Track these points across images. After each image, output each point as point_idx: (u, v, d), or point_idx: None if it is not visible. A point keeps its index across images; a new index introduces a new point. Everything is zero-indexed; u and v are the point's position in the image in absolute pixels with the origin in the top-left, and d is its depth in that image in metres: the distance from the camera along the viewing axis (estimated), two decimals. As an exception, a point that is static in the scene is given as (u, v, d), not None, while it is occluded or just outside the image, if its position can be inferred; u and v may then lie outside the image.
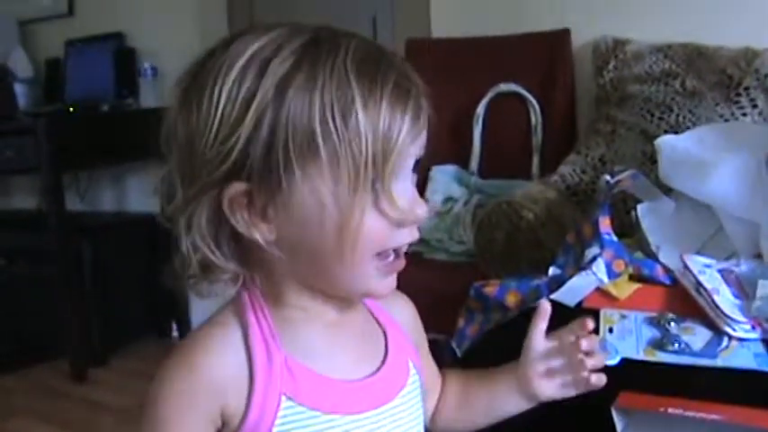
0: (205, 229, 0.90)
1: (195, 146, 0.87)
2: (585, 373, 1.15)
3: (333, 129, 0.84)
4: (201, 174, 0.87)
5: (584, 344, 1.15)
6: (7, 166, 3.91)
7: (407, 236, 0.93)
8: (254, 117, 0.84)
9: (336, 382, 0.96)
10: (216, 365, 0.92)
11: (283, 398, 0.92)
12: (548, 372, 1.18)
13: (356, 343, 1.01)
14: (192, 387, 0.91)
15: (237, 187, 0.87)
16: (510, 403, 1.21)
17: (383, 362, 1.01)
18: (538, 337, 1.19)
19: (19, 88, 4.29)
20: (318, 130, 0.84)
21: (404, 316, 1.10)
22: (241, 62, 0.86)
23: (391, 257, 0.93)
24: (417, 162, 0.93)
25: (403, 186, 0.91)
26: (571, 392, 1.19)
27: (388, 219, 0.89)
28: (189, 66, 0.92)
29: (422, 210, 0.92)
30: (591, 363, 1.15)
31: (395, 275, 0.95)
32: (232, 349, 0.93)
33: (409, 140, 0.88)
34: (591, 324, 1.16)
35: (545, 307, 1.18)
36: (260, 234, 0.89)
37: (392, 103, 0.86)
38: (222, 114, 0.85)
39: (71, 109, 4.02)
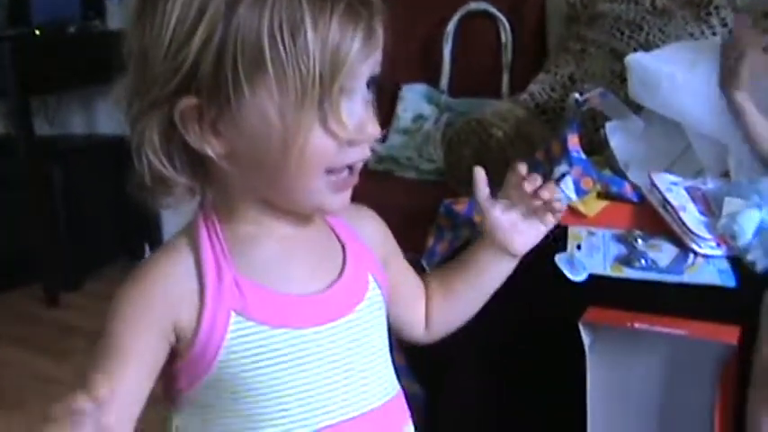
0: (157, 143, 0.91)
1: (148, 60, 0.89)
2: (545, 195, 1.15)
3: (281, 46, 0.85)
4: (154, 88, 0.89)
5: (539, 192, 1.15)
6: (-28, 90, 3.86)
7: (359, 154, 0.94)
8: (205, 32, 0.85)
9: (288, 296, 0.97)
10: (168, 284, 0.94)
11: (233, 313, 0.93)
12: (511, 225, 1.18)
13: (311, 258, 1.02)
14: (144, 301, 0.94)
15: (188, 101, 0.88)
16: (492, 271, 1.21)
17: (340, 275, 1.02)
18: (487, 202, 1.18)
19: (-18, 11, 4.22)
20: (267, 46, 0.85)
21: (369, 231, 1.11)
22: None
23: (344, 174, 0.95)
24: (373, 80, 0.94)
25: (353, 105, 0.92)
26: (541, 229, 1.19)
27: (337, 137, 0.90)
28: None
29: (373, 129, 0.94)
30: (545, 195, 1.15)
31: (348, 191, 0.97)
32: (183, 268, 0.95)
33: (359, 60, 0.89)
34: (524, 168, 1.16)
35: (480, 174, 1.18)
36: (211, 148, 0.91)
37: (342, 23, 0.86)
38: (174, 29, 0.86)
39: (36, 32, 3.95)
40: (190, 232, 0.98)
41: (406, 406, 1.10)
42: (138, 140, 0.91)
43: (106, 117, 4.35)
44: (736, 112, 1.82)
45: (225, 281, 0.94)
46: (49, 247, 3.78)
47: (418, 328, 1.21)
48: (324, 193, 0.94)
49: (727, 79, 1.83)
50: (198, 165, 0.95)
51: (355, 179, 0.96)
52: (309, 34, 0.85)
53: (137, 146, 0.92)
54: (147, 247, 4.20)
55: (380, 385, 1.04)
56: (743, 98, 1.81)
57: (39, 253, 3.76)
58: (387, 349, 1.07)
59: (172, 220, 4.06)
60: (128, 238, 4.21)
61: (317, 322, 0.97)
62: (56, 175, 3.82)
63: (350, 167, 0.95)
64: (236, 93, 0.87)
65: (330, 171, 0.93)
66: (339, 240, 1.06)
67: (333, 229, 1.06)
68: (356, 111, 0.92)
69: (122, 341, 0.93)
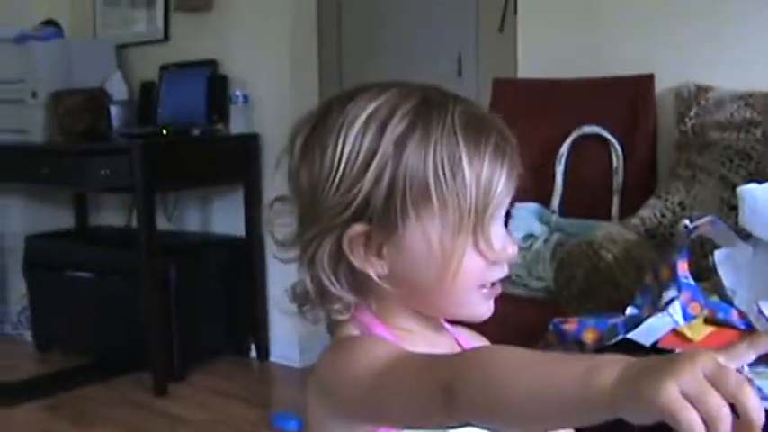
0: (327, 264, 1.01)
1: (318, 193, 1.00)
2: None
3: (443, 181, 0.97)
4: (324, 217, 1.00)
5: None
6: (101, 183, 4.05)
7: (501, 272, 1.04)
8: (376, 171, 0.97)
9: None
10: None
11: None
12: None
13: None
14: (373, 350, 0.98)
15: (358, 229, 0.99)
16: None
17: None
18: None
19: (114, 110, 4.43)
20: (432, 182, 0.97)
21: None
22: (361, 120, 0.99)
23: (488, 286, 1.04)
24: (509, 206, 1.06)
25: (498, 230, 1.03)
26: None
27: (486, 258, 1.01)
28: (306, 117, 1.05)
29: (513, 249, 1.04)
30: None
31: (493, 300, 1.06)
32: (384, 342, 1.02)
33: (506, 193, 1.00)
34: None
35: None
36: (373, 269, 1.01)
37: (492, 161, 0.98)
38: (345, 167, 0.98)
39: (164, 132, 4.14)
40: (361, 328, 1.05)
41: None
42: (309, 261, 1.02)
43: (222, 217, 4.50)
44: None
45: None
46: (160, 338, 3.89)
47: None
48: (476, 305, 1.04)
49: None
50: (360, 283, 1.04)
51: (499, 289, 1.05)
52: (467, 171, 0.96)
53: (306, 265, 1.03)
54: (253, 345, 4.30)
55: None
56: None
57: (150, 342, 3.88)
58: None
59: (279, 321, 4.17)
60: (235, 335, 4.31)
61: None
62: (171, 269, 3.95)
63: (493, 282, 1.04)
64: (404, 221, 0.98)
65: (482, 286, 1.03)
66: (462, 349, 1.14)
67: (456, 340, 1.15)
68: (500, 234, 1.02)
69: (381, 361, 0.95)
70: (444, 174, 0.96)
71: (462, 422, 0.83)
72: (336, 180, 0.98)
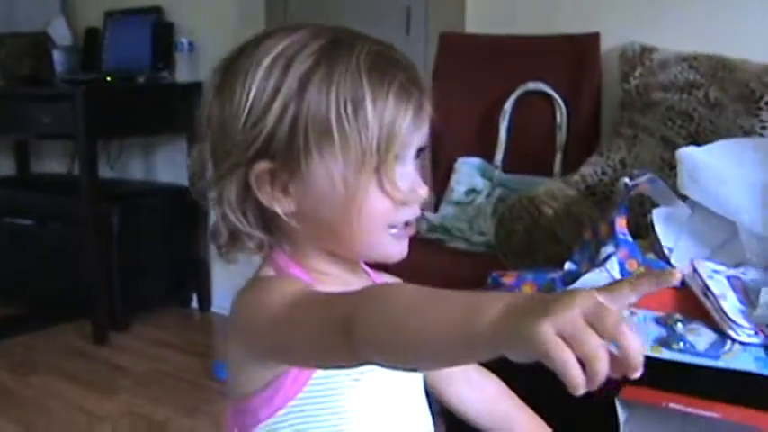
0: (234, 202, 1.03)
1: (227, 130, 1.02)
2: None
3: (345, 120, 0.98)
4: (232, 154, 1.01)
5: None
6: (43, 130, 4.01)
7: (411, 213, 1.06)
8: (280, 107, 0.99)
9: None
10: None
11: None
12: None
13: None
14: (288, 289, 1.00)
15: (263, 166, 1.01)
16: None
17: None
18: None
19: (57, 56, 4.37)
20: (334, 120, 0.98)
21: None
22: (269, 59, 1.00)
23: (402, 227, 1.07)
24: (421, 150, 1.07)
25: (405, 171, 1.04)
26: None
27: (392, 198, 1.02)
28: (223, 59, 1.06)
29: (423, 190, 1.06)
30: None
31: (406, 241, 1.08)
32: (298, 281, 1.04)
33: (410, 132, 1.01)
34: None
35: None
36: (280, 206, 1.03)
37: (397, 101, 0.99)
38: (252, 104, 0.99)
39: (108, 78, 4.09)
40: (277, 269, 1.08)
41: None
42: (218, 199, 1.03)
43: (165, 165, 4.47)
44: None
45: None
46: (101, 286, 3.87)
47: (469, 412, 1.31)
48: (386, 245, 1.06)
49: None
50: (269, 222, 1.06)
51: (412, 230, 1.08)
52: (369, 110, 0.98)
53: (215, 203, 1.04)
54: (195, 297, 4.29)
55: (425, 422, 1.15)
56: None
57: (91, 290, 3.86)
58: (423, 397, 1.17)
59: (221, 272, 4.15)
60: (177, 286, 4.30)
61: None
62: (113, 217, 3.93)
63: (406, 222, 1.06)
64: (306, 158, 0.99)
65: (391, 226, 1.04)
66: None
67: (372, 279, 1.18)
68: (408, 175, 1.04)
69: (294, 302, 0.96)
70: (346, 112, 0.98)
71: (363, 360, 0.83)
72: (243, 117, 1.00)
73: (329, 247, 1.07)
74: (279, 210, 1.02)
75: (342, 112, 0.97)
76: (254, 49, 1.02)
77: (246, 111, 0.99)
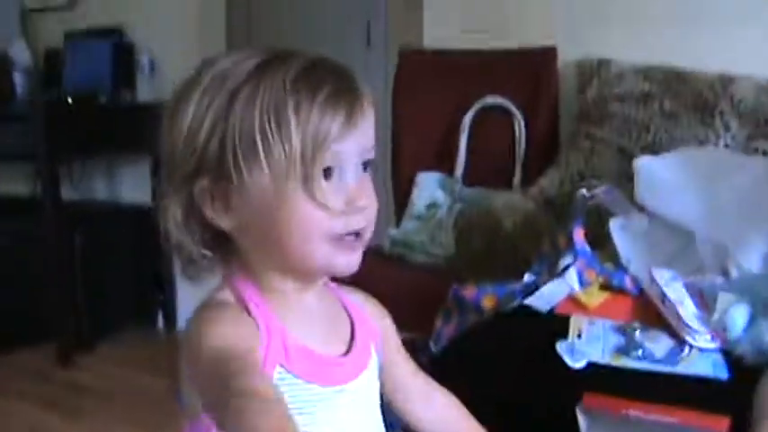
0: (179, 218, 1.05)
1: (173, 150, 1.04)
2: None
3: (269, 133, 0.98)
4: (176, 172, 1.04)
5: None
6: (4, 151, 3.97)
7: (352, 224, 1.04)
8: (210, 125, 1.00)
9: (318, 355, 1.08)
10: (246, 331, 1.02)
11: (278, 366, 1.04)
12: None
13: (327, 324, 1.13)
14: (232, 331, 1.00)
15: (202, 182, 1.02)
16: None
17: (351, 344, 1.14)
18: None
19: (18, 77, 4.34)
20: (258, 133, 0.99)
21: (375, 315, 1.22)
22: (207, 79, 1.03)
23: (350, 239, 1.05)
24: (368, 163, 1.07)
25: (343, 182, 1.04)
26: None
27: (327, 209, 1.02)
28: (177, 83, 1.08)
29: (363, 202, 1.04)
30: None
31: (356, 254, 1.07)
32: (247, 321, 1.04)
33: (339, 142, 1.01)
34: None
35: None
36: (224, 223, 1.04)
37: (321, 110, 0.99)
38: (190, 124, 1.02)
39: (69, 99, 4.07)
40: (228, 296, 1.08)
41: None
42: (164, 215, 1.05)
43: (129, 185, 4.45)
44: None
45: (274, 336, 1.04)
46: (66, 308, 3.84)
47: (419, 423, 1.30)
48: (329, 257, 1.05)
49: None
50: (225, 242, 1.08)
51: (362, 243, 1.07)
52: (292, 121, 0.98)
53: (162, 219, 1.06)
54: (160, 316, 4.27)
55: None
56: None
57: (55, 312, 3.83)
58: (379, 416, 1.18)
59: (187, 291, 4.14)
60: (142, 306, 4.28)
61: (338, 382, 1.08)
62: (77, 238, 3.91)
63: (356, 233, 1.06)
64: (237, 173, 1.00)
65: (336, 238, 1.04)
66: (347, 312, 1.17)
67: (342, 303, 1.18)
68: (345, 187, 1.04)
69: (241, 369, 0.95)
70: (270, 125, 0.98)
71: None
72: (182, 137, 1.02)
73: (278, 263, 1.07)
74: (223, 226, 1.04)
75: (266, 125, 0.98)
76: (199, 71, 1.04)
77: (186, 130, 1.01)
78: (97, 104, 4.09)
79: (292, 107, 0.98)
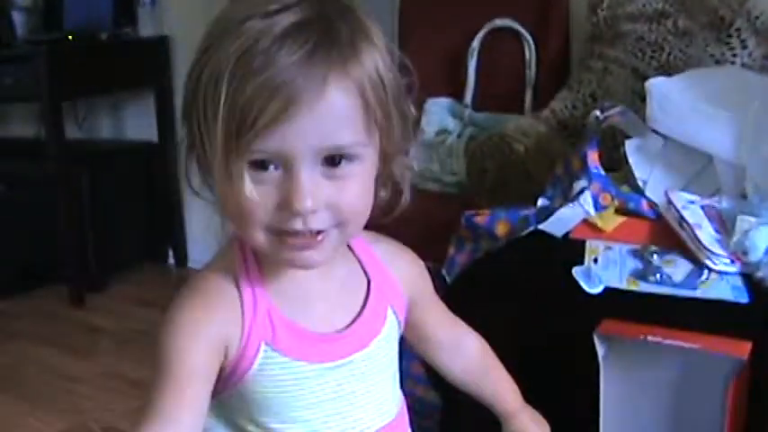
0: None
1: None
2: None
3: (206, 104, 0.91)
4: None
5: None
6: (6, 93, 3.95)
7: (291, 224, 0.93)
8: (190, 81, 0.95)
9: (310, 333, 1.03)
10: (218, 308, 1.00)
11: (263, 343, 1.00)
12: None
13: (334, 296, 1.08)
14: (196, 317, 0.99)
15: (189, 148, 0.99)
16: None
17: (360, 313, 1.08)
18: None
19: (17, 16, 4.29)
20: (200, 103, 0.92)
21: (404, 272, 1.15)
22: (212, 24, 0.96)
23: (297, 236, 0.95)
24: (340, 157, 0.94)
25: (283, 174, 0.93)
26: None
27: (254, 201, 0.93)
28: None
29: (300, 205, 0.92)
30: None
31: (309, 252, 0.97)
32: (228, 298, 1.01)
33: (268, 127, 0.89)
34: None
35: None
36: (206, 194, 1.01)
37: (256, 91, 0.88)
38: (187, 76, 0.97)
39: (69, 37, 4.02)
40: (229, 260, 1.04)
41: (406, 426, 1.16)
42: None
43: (134, 122, 4.42)
44: None
45: (259, 313, 1.01)
46: (75, 249, 3.84)
47: (449, 373, 1.28)
48: (277, 250, 0.96)
49: None
50: None
51: (317, 241, 0.96)
52: (222, 96, 0.89)
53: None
54: (170, 252, 4.26)
55: (378, 409, 1.10)
56: None
57: (65, 253, 3.82)
58: (393, 376, 1.14)
59: (196, 225, 4.13)
60: (152, 243, 4.27)
61: (334, 357, 1.04)
62: (83, 178, 3.89)
63: (292, 231, 0.94)
64: (194, 140, 0.96)
65: (275, 231, 0.95)
66: (365, 274, 1.11)
67: (360, 262, 1.11)
68: (285, 183, 0.92)
69: (178, 362, 0.97)
70: (205, 93, 0.91)
71: None
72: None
73: None
74: (208, 197, 1.01)
75: (206, 92, 0.91)
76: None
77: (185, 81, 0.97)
78: (99, 42, 4.04)
79: (227, 79, 0.88)
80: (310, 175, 0.92)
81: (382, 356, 1.09)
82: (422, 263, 1.21)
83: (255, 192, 0.92)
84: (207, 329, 0.98)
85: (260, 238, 0.95)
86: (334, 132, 0.92)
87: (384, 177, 1.04)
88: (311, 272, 1.02)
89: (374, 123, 0.95)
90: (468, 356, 1.27)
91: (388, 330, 1.10)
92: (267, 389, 1.01)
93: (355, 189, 0.96)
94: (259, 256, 1.03)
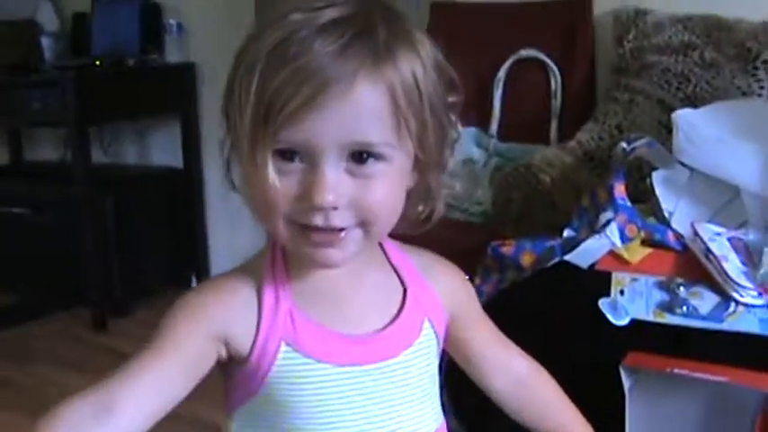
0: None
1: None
2: None
3: (239, 91, 0.92)
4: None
5: None
6: (33, 118, 3.98)
7: (311, 218, 0.93)
8: (230, 79, 0.96)
9: (336, 334, 1.01)
10: (227, 303, 1.00)
11: (283, 343, 0.99)
12: None
13: (365, 299, 1.05)
14: (200, 308, 1.00)
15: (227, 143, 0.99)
16: None
17: (394, 319, 1.05)
18: None
19: (45, 42, 4.32)
20: (236, 89, 0.93)
21: (444, 285, 1.12)
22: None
23: (319, 231, 0.94)
24: (367, 155, 0.93)
25: (308, 167, 0.92)
26: None
27: (276, 189, 0.93)
28: None
29: (319, 199, 0.91)
30: None
31: (331, 250, 0.96)
32: (244, 295, 1.01)
33: (297, 118, 0.89)
34: None
35: None
36: (235, 186, 1.02)
37: (286, 80, 0.88)
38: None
39: (97, 63, 4.05)
40: (259, 260, 1.04)
41: None
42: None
43: (159, 148, 4.44)
44: None
45: (280, 313, 0.99)
46: (99, 273, 3.85)
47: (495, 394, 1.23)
48: (299, 244, 0.96)
49: None
50: None
51: (338, 239, 0.95)
52: (254, 83, 0.90)
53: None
54: (194, 279, 4.27)
55: (416, 424, 1.07)
56: None
57: (89, 278, 3.83)
58: (431, 393, 1.10)
59: (220, 251, 4.14)
60: (176, 269, 4.27)
61: (360, 362, 1.01)
62: (108, 203, 3.90)
63: (313, 227, 0.94)
64: (230, 128, 0.97)
65: (298, 224, 0.94)
66: (402, 283, 1.08)
67: (396, 271, 1.09)
68: (308, 175, 0.92)
69: (169, 333, 0.98)
70: (242, 80, 0.92)
71: None
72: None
73: None
74: (237, 190, 1.01)
75: (241, 79, 0.92)
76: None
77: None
78: (126, 67, 4.07)
79: (261, 66, 0.90)
80: (334, 171, 0.92)
81: (417, 369, 1.06)
82: (464, 276, 1.18)
83: (278, 182, 0.92)
84: (209, 316, 0.98)
85: (282, 230, 0.95)
86: (361, 128, 0.91)
87: (421, 190, 1.04)
88: (341, 274, 1.02)
89: (405, 128, 0.94)
90: (515, 379, 1.22)
91: (422, 343, 1.07)
92: (291, 391, 0.99)
93: (381, 189, 0.95)
94: (287, 257, 1.02)
